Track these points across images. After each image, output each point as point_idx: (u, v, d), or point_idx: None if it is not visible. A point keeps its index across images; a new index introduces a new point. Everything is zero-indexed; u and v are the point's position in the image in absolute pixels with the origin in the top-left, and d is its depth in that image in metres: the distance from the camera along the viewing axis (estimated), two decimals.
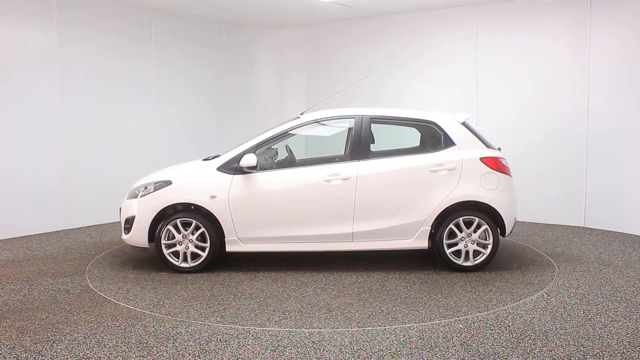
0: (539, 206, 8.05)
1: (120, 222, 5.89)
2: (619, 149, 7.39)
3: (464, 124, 5.73)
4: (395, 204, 5.51)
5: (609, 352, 3.67)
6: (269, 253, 6.15)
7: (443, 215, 5.51)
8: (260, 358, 3.62)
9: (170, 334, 4.01)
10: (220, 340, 3.91)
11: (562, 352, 3.67)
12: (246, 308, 4.59)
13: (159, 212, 5.58)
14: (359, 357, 3.62)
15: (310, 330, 4.09)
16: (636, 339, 3.89)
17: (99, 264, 6.00)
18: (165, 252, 5.60)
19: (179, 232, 5.56)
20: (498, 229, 5.60)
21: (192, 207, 5.58)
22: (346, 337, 3.94)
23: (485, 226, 5.48)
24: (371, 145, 5.92)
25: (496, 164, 5.57)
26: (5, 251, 6.55)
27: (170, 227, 5.55)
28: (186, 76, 9.32)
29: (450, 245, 5.53)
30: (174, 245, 5.61)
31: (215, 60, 9.82)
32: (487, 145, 5.71)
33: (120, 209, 5.91)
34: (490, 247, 5.52)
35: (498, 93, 8.33)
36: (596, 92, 7.59)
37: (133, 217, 5.66)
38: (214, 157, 5.88)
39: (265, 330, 4.09)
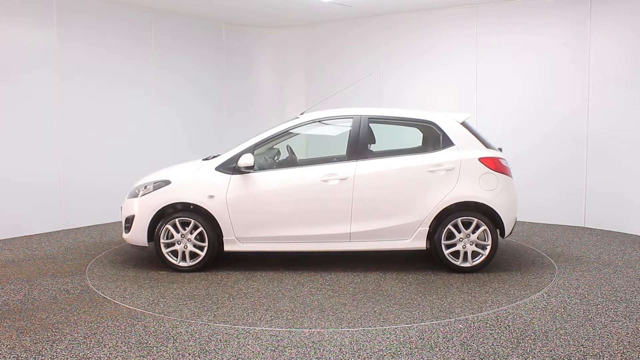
0: (539, 206, 8.05)
1: (121, 221, 5.91)
2: (619, 148, 7.39)
3: (463, 124, 5.70)
4: (392, 204, 5.50)
5: (609, 352, 3.67)
6: (267, 253, 6.16)
7: (441, 216, 5.48)
8: (260, 358, 3.62)
9: (170, 334, 4.01)
10: (220, 340, 3.91)
11: (562, 352, 3.67)
12: (239, 307, 4.60)
13: (158, 211, 5.60)
14: (359, 357, 3.62)
15: (310, 330, 4.09)
16: (636, 339, 3.89)
17: (98, 264, 6.00)
18: (164, 251, 5.62)
19: (177, 231, 5.57)
20: (497, 229, 5.58)
21: (192, 207, 5.59)
22: (346, 337, 3.94)
23: (483, 227, 5.45)
24: (372, 145, 5.92)
25: (495, 165, 5.54)
26: (5, 251, 6.55)
27: (169, 226, 5.58)
28: (186, 76, 9.32)
29: (448, 246, 5.51)
30: (173, 244, 5.63)
31: (215, 60, 9.82)
32: (487, 146, 5.68)
33: (121, 208, 5.93)
34: (489, 248, 5.49)
35: (498, 93, 8.33)
36: (596, 92, 7.59)
37: (133, 217, 5.69)
38: (214, 157, 5.89)
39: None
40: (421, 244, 5.53)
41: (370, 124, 5.80)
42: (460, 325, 4.17)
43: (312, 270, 5.68)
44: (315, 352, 3.70)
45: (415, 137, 6.36)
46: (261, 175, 5.60)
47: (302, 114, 6.09)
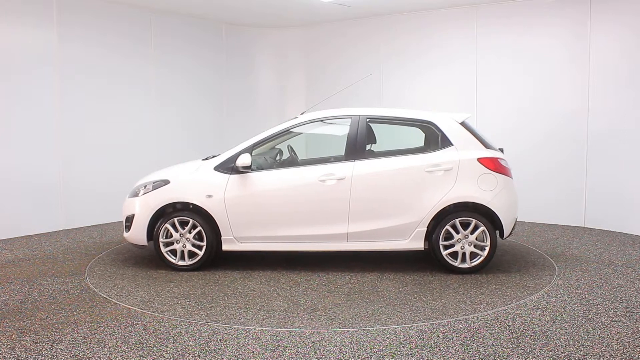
0: (539, 206, 8.05)
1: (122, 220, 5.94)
2: (619, 149, 7.39)
3: (462, 123, 5.66)
4: (390, 204, 5.48)
5: (609, 352, 3.67)
6: (265, 252, 6.16)
7: (439, 217, 5.46)
8: (260, 358, 3.62)
9: (170, 334, 4.01)
10: (220, 340, 3.91)
11: (562, 352, 3.67)
12: (232, 306, 4.60)
13: (157, 210, 5.62)
14: (359, 357, 3.62)
15: (310, 330, 4.09)
16: (636, 339, 3.89)
17: (98, 264, 6.00)
18: (163, 250, 5.64)
19: (176, 230, 5.59)
20: (497, 230, 5.55)
21: (191, 206, 5.60)
22: (346, 337, 3.94)
23: (482, 228, 5.42)
24: (372, 145, 5.91)
25: (494, 165, 5.50)
26: (5, 251, 6.55)
27: (168, 225, 5.60)
28: (186, 76, 9.31)
29: (446, 247, 5.48)
30: (172, 243, 5.64)
31: (215, 60, 9.82)
32: (487, 146, 5.64)
33: (123, 207, 5.97)
34: (487, 249, 5.44)
35: (498, 93, 8.33)
36: (596, 92, 7.59)
37: (133, 216, 5.72)
38: (213, 157, 5.90)
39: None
40: (419, 244, 5.52)
41: (370, 124, 5.79)
42: (460, 325, 4.17)
43: (309, 270, 5.68)
44: (315, 352, 3.70)
45: (416, 137, 6.35)
46: (259, 175, 5.60)
47: (302, 113, 6.09)
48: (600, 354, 3.64)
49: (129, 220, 5.75)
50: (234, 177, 5.58)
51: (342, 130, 6.27)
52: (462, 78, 8.58)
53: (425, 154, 5.61)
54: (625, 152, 7.33)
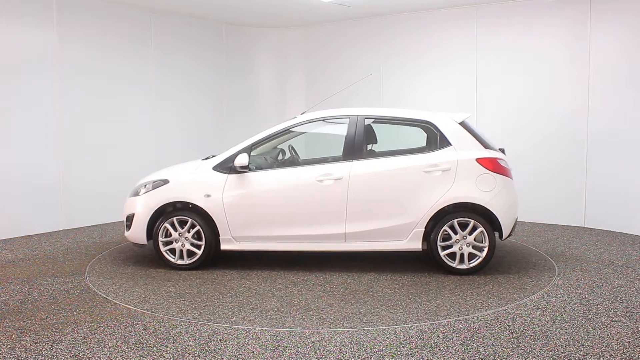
0: (539, 206, 8.04)
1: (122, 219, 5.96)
2: (619, 149, 7.39)
3: (462, 123, 5.62)
4: (388, 204, 5.46)
5: (609, 352, 3.67)
6: (263, 252, 6.15)
7: (438, 217, 5.43)
8: (260, 358, 3.62)
9: (170, 334, 4.01)
10: (220, 340, 3.91)
11: (562, 352, 3.67)
12: (226, 306, 4.61)
13: (157, 210, 5.65)
14: (359, 357, 3.62)
15: (310, 330, 4.09)
16: (636, 339, 3.89)
17: (99, 263, 6.00)
18: (162, 249, 5.66)
19: (175, 230, 5.61)
20: (496, 231, 5.52)
21: (190, 206, 5.61)
22: (346, 337, 3.94)
23: (480, 228, 5.39)
24: (374, 145, 5.90)
25: (493, 165, 5.46)
26: (5, 251, 6.55)
27: (167, 224, 5.62)
28: (186, 76, 9.31)
29: (444, 248, 5.46)
30: (171, 242, 5.66)
31: (215, 60, 9.82)
32: (486, 146, 5.60)
33: (124, 206, 6.00)
34: (486, 250, 5.40)
35: (498, 93, 8.33)
36: (596, 92, 7.59)
37: (133, 215, 5.74)
38: (213, 157, 5.91)
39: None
40: (417, 245, 5.49)
41: (372, 125, 5.78)
42: (460, 325, 4.16)
43: (307, 270, 5.68)
44: (315, 352, 3.69)
45: (417, 137, 6.34)
46: (257, 175, 5.61)
47: (302, 113, 6.08)
48: (600, 354, 3.64)
49: (129, 219, 5.78)
50: (232, 177, 5.59)
51: (341, 130, 6.26)
52: (462, 78, 8.58)
53: (423, 154, 5.59)
54: (625, 152, 7.33)
